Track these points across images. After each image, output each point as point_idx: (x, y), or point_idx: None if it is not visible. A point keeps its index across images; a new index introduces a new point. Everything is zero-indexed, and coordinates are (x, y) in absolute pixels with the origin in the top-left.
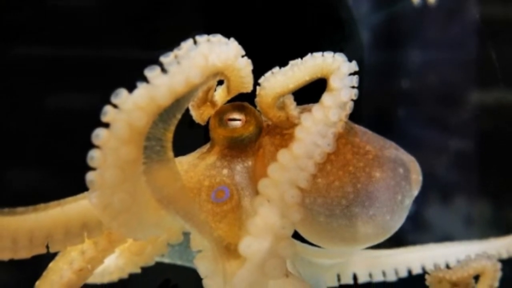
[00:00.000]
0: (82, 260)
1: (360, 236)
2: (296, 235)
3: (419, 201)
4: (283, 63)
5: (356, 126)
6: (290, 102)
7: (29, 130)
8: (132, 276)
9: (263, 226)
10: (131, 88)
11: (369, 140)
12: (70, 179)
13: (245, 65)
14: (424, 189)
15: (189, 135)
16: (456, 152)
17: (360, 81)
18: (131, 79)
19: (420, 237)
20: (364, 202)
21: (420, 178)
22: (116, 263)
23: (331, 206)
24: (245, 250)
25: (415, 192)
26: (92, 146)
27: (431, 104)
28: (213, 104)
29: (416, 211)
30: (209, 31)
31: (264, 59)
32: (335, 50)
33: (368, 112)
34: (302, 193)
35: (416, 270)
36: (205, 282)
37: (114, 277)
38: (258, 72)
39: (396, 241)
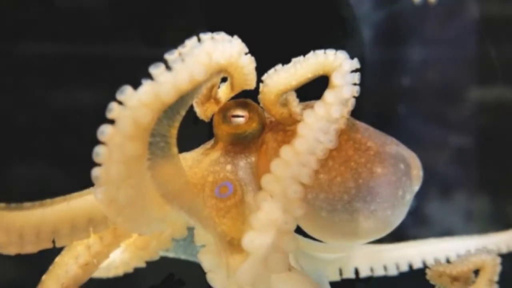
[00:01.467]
0: (88, 255)
1: (362, 231)
2: (299, 230)
3: (419, 197)
4: (285, 61)
5: (358, 122)
6: (293, 99)
7: (35, 127)
8: (137, 270)
9: (266, 221)
10: (136, 85)
11: (371, 136)
12: (76, 175)
13: (249, 63)
14: (425, 185)
15: (193, 132)
16: (456, 148)
17: (362, 78)
18: (136, 76)
19: (420, 232)
20: (365, 197)
21: (421, 173)
22: (121, 257)
23: (333, 201)
24: (248, 245)
25: (416, 187)
26: (97, 142)
27: (431, 101)
28: (216, 101)
29: (416, 206)
30: (213, 29)
31: (267, 57)
32: (337, 47)
33: (369, 108)
34: (305, 189)
35: (417, 265)
36: (208, 276)
37: (119, 272)
38: (261, 69)
39: (397, 236)
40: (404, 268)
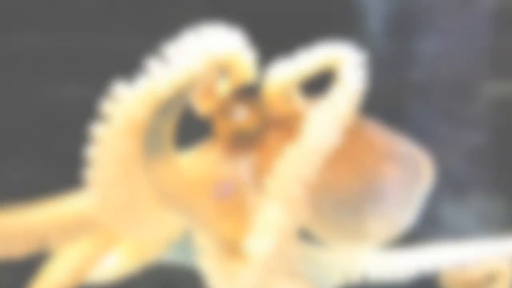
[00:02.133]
0: (80, 259)
1: (369, 233)
2: (302, 233)
3: (431, 198)
4: (289, 54)
5: (365, 119)
6: (297, 94)
7: (25, 123)
8: (132, 276)
9: (268, 223)
10: (130, 79)
11: (379, 134)
12: (68, 175)
13: (249, 56)
14: (437, 186)
15: (191, 129)
16: (470, 147)
17: (370, 73)
18: (131, 69)
19: (431, 235)
20: (372, 198)
21: (432, 173)
22: (115, 262)
23: (338, 202)
24: (249, 248)
25: (426, 188)
26: (90, 140)
27: (443, 97)
28: (216, 96)
29: (428, 208)
30: (211, 21)
31: (269, 50)
32: (344, 40)
33: (377, 105)
34: (309, 189)
35: (428, 270)
36: (208, 280)
37: (113, 277)
38: (263, 63)
39: (407, 238)
40: (415, 273)
